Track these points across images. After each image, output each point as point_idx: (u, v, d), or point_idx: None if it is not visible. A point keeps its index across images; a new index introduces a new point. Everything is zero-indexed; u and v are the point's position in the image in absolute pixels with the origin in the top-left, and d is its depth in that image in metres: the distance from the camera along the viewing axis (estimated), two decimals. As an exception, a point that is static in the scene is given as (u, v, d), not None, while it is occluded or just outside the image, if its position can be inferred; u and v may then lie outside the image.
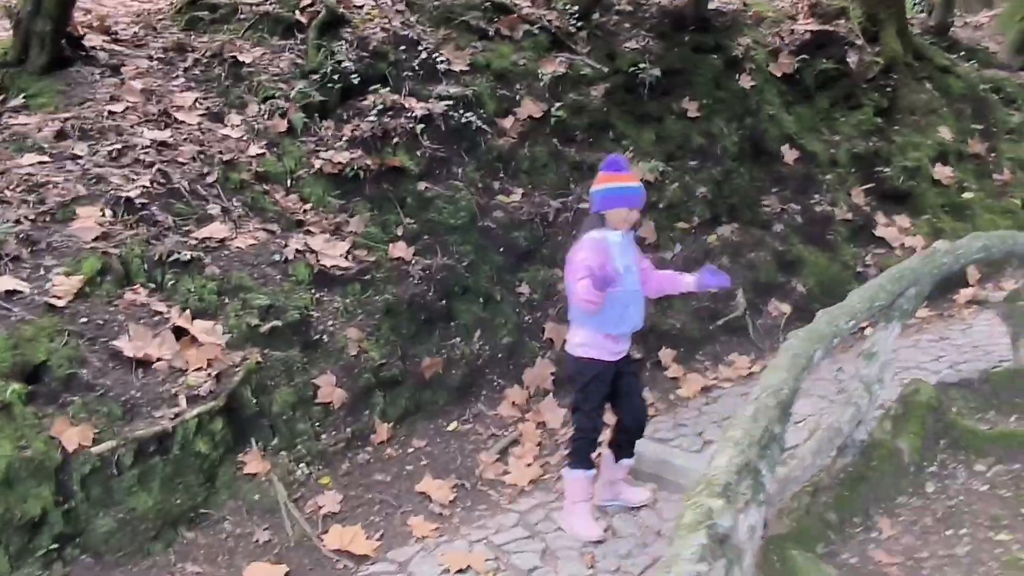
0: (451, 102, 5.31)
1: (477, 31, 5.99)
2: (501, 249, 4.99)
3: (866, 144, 6.82)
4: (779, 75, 6.88)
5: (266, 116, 4.97)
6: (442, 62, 5.54)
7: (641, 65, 6.20)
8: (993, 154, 7.33)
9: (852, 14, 7.39)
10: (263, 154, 4.75)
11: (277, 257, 4.21)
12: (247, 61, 5.30)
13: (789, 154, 6.50)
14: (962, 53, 8.31)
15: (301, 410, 3.76)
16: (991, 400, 3.76)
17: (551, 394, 4.58)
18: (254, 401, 3.62)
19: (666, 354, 5.09)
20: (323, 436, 3.79)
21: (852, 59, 7.10)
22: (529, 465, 4.04)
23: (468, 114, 5.31)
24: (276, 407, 3.69)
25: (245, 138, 4.81)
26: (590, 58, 6.16)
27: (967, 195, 6.90)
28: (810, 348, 2.76)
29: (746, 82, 6.59)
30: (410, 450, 4.01)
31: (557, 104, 5.77)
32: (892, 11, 7.42)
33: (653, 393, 4.78)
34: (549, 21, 6.26)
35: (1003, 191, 7.13)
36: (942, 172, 6.88)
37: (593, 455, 3.47)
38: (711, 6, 7.05)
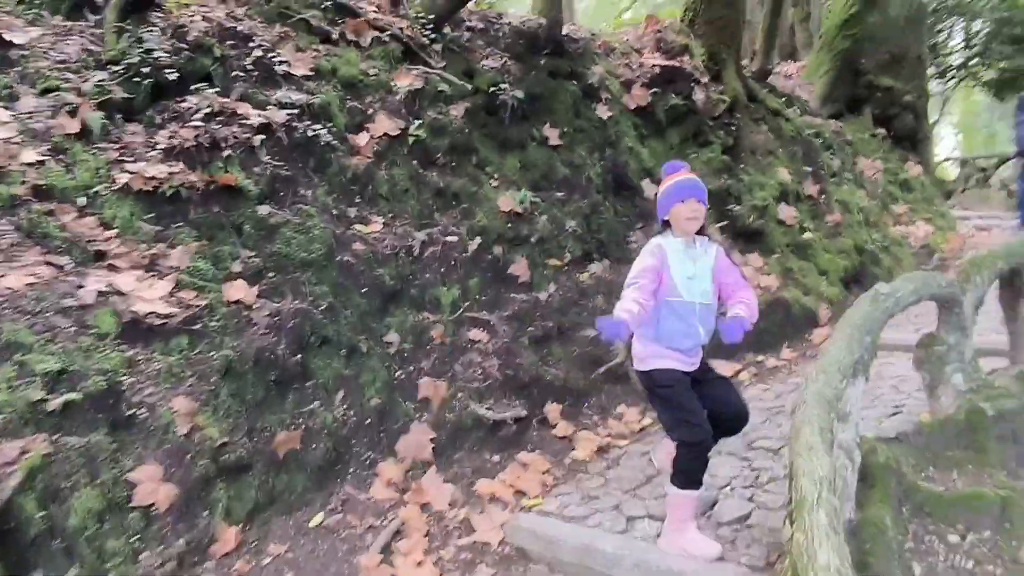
0: (295, 111, 4.38)
1: (319, 32, 5.10)
2: (364, 289, 4.11)
3: (718, 182, 6.70)
4: (633, 107, 6.60)
5: (49, 114, 3.75)
6: (281, 63, 4.59)
7: (502, 86, 5.61)
8: (824, 196, 7.56)
9: (695, 51, 7.33)
10: (44, 162, 3.55)
11: (69, 302, 3.06)
12: (19, 42, 4.03)
13: (649, 188, 6.20)
14: (783, 99, 8.63)
15: (112, 520, 2.68)
16: (926, 454, 3.48)
17: (433, 467, 3.77)
18: (40, 514, 2.49)
19: (552, 409, 4.45)
20: (144, 555, 2.71)
21: (699, 96, 7.00)
22: (420, 564, 3.20)
23: (316, 126, 4.41)
24: (74, 519, 2.58)
25: (16, 140, 3.57)
26: (447, 74, 5.47)
27: (807, 235, 7.00)
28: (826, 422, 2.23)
29: (604, 112, 6.22)
30: (266, 560, 3.01)
31: (416, 122, 5.01)
32: (731, 51, 7.47)
33: (545, 458, 4.11)
34: (401, 29, 5.50)
35: (836, 231, 7.34)
36: (786, 212, 6.93)
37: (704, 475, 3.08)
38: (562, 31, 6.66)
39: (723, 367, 5.49)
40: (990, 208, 13.32)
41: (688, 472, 3.04)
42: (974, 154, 24.72)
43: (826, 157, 8.08)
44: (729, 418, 3.16)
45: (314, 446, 3.47)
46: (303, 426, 3.47)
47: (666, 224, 3.24)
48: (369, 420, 3.75)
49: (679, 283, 3.08)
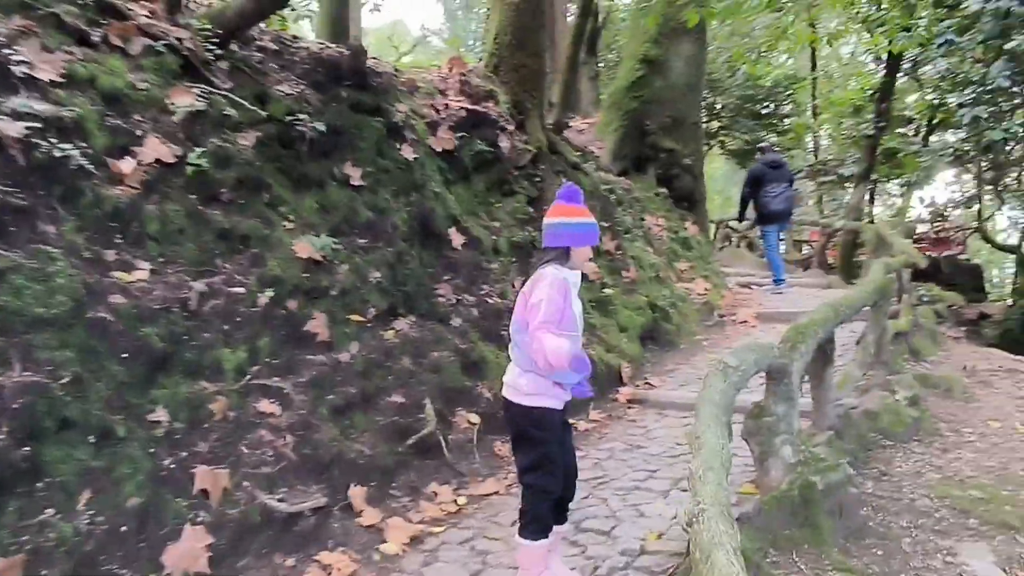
0: (36, 124, 3.45)
1: (74, 32, 4.15)
2: (124, 354, 3.26)
3: (523, 233, 6.49)
4: (439, 150, 6.21)
5: None
6: (20, 63, 3.63)
7: (300, 116, 4.96)
8: (620, 252, 7.62)
9: (500, 98, 7.13)
10: None
11: None
12: None
13: (456, 238, 5.81)
14: (579, 153, 8.70)
15: None
16: (767, 536, 3.32)
17: (211, 582, 3.00)
18: None
19: (356, 493, 3.83)
20: None
21: (505, 144, 6.78)
22: None
23: (65, 145, 3.51)
24: None
25: None
26: (236, 96, 4.72)
27: (608, 291, 6.97)
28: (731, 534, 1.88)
29: (409, 153, 5.76)
30: None
31: (196, 149, 4.22)
32: (536, 101, 7.36)
33: (351, 555, 3.48)
34: (179, 40, 4.67)
35: (632, 287, 7.40)
36: (589, 267, 6.85)
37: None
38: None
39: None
40: (745, 266, 14.55)
41: (541, 520, 3.01)
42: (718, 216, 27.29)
43: (620, 213, 8.20)
44: (570, 475, 3.19)
45: (46, 572, 2.59)
46: (29, 546, 2.58)
47: (564, 253, 3.06)
48: (125, 527, 2.91)
49: (577, 318, 3.04)
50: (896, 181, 20.63)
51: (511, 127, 6.96)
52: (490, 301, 5.66)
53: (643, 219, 9.08)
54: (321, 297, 4.44)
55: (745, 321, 8.80)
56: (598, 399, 5.94)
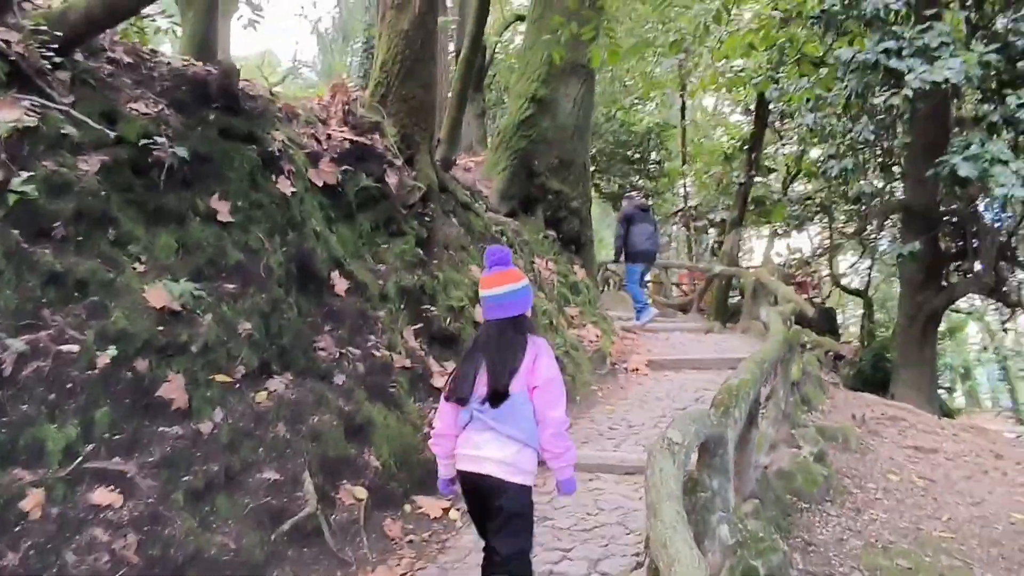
0: None
1: None
2: (-99, 442, 2.46)
3: (412, 278, 5.93)
4: (320, 184, 5.59)
5: None
6: None
7: (157, 139, 4.24)
8: (513, 297, 7.19)
9: (387, 130, 6.59)
10: None
11: None
12: None
13: (340, 283, 5.19)
14: (468, 193, 8.27)
15: None
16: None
17: None
18: None
19: (219, 600, 3.12)
20: None
21: (392, 180, 6.23)
22: None
23: None
24: None
25: None
26: (78, 113, 3.96)
27: (502, 340, 6.51)
28: None
29: (286, 187, 5.11)
30: None
31: (22, 174, 3.45)
32: (426, 135, 6.87)
33: None
34: (7, 43, 3.88)
35: (526, 336, 6.98)
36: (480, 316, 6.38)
37: None
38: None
39: (430, 504, 4.59)
40: (626, 309, 14.54)
41: None
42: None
43: (513, 257, 7.79)
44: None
45: None
46: None
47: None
48: None
49: None
50: (772, 227, 21.64)
51: (399, 162, 6.42)
52: (377, 354, 5.06)
53: (533, 263, 8.72)
54: (178, 355, 3.72)
55: (636, 369, 8.58)
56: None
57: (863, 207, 11.87)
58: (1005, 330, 16.97)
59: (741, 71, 13.84)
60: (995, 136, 10.67)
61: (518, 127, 9.86)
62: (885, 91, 11.57)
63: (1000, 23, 11.37)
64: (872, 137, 11.44)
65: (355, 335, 5.05)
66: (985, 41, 10.72)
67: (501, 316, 3.06)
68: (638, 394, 7.53)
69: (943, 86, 10.04)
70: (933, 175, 10.26)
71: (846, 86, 11.97)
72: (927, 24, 11.00)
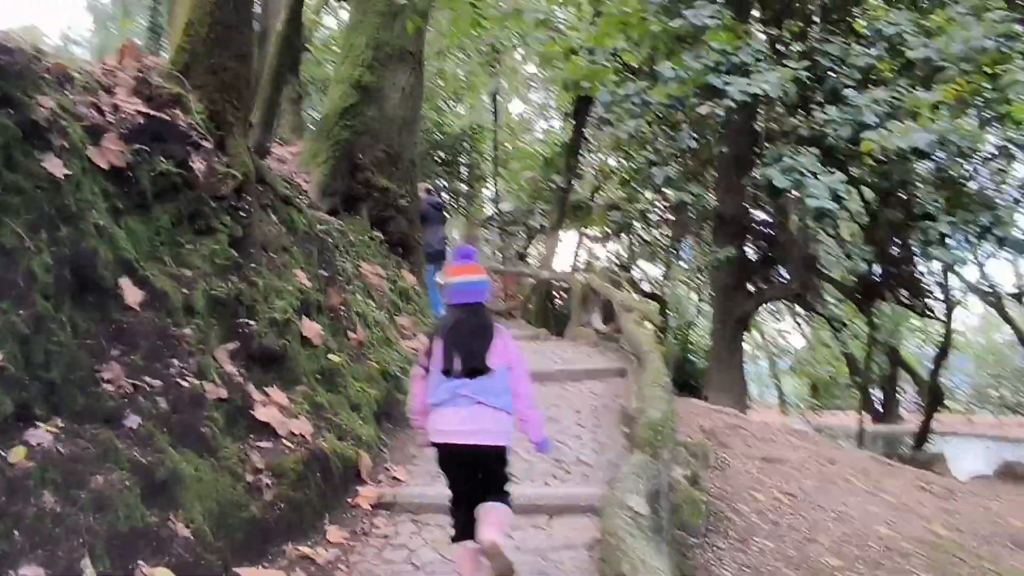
0: None
1: None
2: None
3: (225, 286, 4.85)
4: (104, 167, 4.38)
5: None
6: None
7: None
8: (344, 308, 6.25)
9: (192, 106, 5.41)
10: None
11: None
12: None
13: (131, 293, 4.05)
14: (288, 185, 7.18)
15: None
16: None
17: None
18: None
19: None
20: None
21: (200, 166, 5.09)
22: None
23: None
24: None
25: None
26: None
27: (333, 358, 5.58)
28: None
29: (57, 168, 3.89)
30: None
31: None
32: (241, 115, 5.76)
33: None
34: None
35: (360, 352, 6.08)
36: (311, 329, 5.41)
37: None
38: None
39: (254, 575, 3.61)
40: (449, 315, 13.86)
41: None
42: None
43: (340, 259, 6.85)
44: None
45: None
46: None
47: None
48: None
49: None
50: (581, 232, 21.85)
51: (208, 144, 5.29)
52: (184, 384, 3.99)
53: (359, 267, 7.79)
54: None
55: (474, 383, 7.91)
56: (334, 508, 4.53)
57: (685, 215, 12.03)
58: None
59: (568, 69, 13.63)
60: (804, 149, 11.16)
61: (341, 116, 8.85)
62: (703, 102, 11.82)
63: (801, 45, 11.99)
64: (693, 145, 11.61)
65: (153, 361, 3.94)
66: (796, 58, 11.18)
67: (467, 302, 3.52)
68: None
69: (760, 98, 10.31)
70: (752, 185, 10.57)
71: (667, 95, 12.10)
72: (739, 43, 11.34)
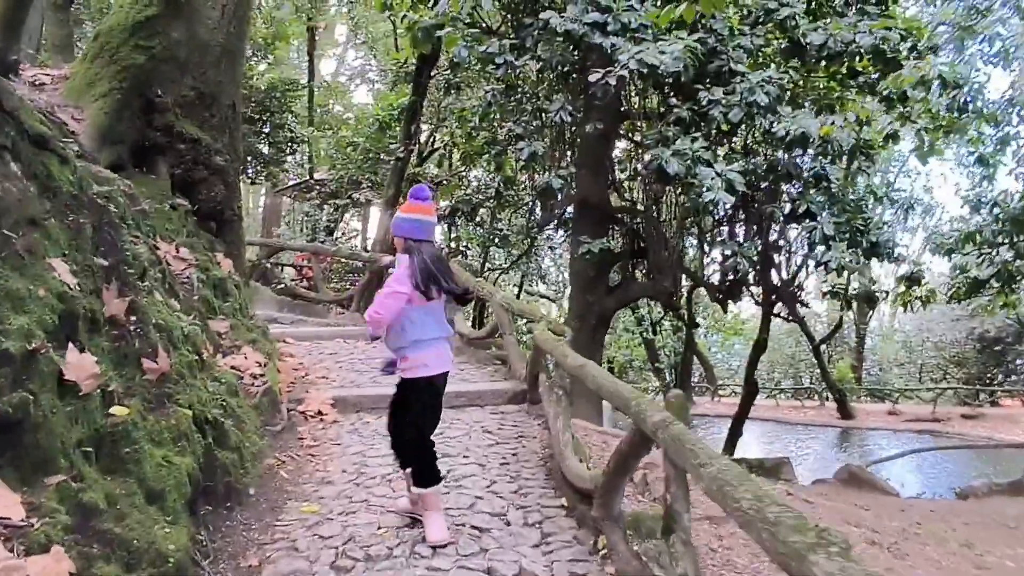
0: None
1: None
2: None
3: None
4: None
5: None
6: None
7: None
8: (135, 319, 3.95)
9: None
10: None
11: None
12: None
13: None
14: (46, 121, 4.66)
15: None
16: None
17: None
18: None
19: None
20: None
21: None
22: None
23: None
24: None
25: None
26: None
27: (118, 410, 3.33)
28: None
29: None
30: None
31: None
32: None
33: None
34: None
35: (163, 393, 3.82)
36: (78, 366, 3.13)
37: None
38: None
39: None
40: (263, 304, 11.38)
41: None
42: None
43: (128, 240, 4.48)
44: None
45: None
46: None
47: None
48: None
49: None
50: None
51: None
52: None
53: (156, 249, 5.42)
54: None
55: (321, 413, 5.84)
56: None
57: (551, 198, 10.51)
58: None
59: (414, 23, 11.56)
60: (684, 132, 9.98)
61: (133, 31, 6.26)
62: (586, 67, 10.31)
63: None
64: (568, 120, 10.06)
65: None
66: (687, 32, 9.95)
67: (428, 239, 3.80)
68: (342, 464, 4.83)
69: (659, 70, 8.94)
70: (626, 170, 9.23)
71: (536, 56, 10.47)
72: (630, 2, 9.93)
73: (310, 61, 22.27)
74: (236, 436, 4.41)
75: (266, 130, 20.92)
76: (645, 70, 8.79)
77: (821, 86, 11.63)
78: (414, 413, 3.79)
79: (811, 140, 9.10)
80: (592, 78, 9.05)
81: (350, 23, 24.91)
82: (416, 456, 3.77)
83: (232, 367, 5.36)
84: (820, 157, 10.09)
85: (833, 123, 9.54)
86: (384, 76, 22.64)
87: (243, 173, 21.58)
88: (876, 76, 11.14)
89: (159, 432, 3.55)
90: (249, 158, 21.18)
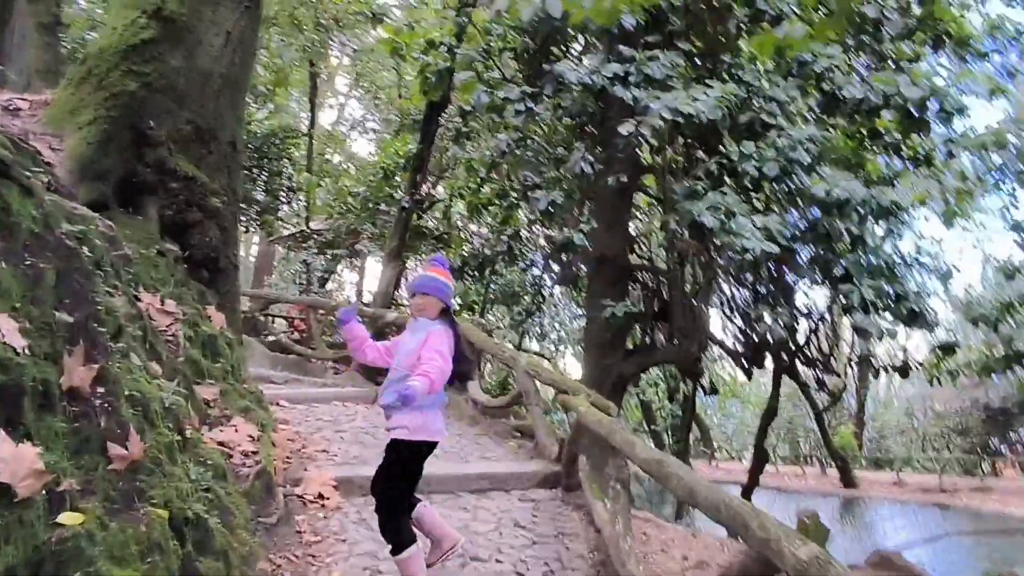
0: None
1: None
2: None
3: None
4: None
5: None
6: None
7: None
8: (105, 391, 3.14)
9: None
10: None
11: None
12: None
13: None
14: (10, 147, 3.91)
15: None
16: None
17: None
18: None
19: None
20: None
21: None
22: None
23: None
24: None
25: None
26: None
27: (70, 518, 2.51)
28: None
29: None
30: None
31: None
32: None
33: None
34: None
35: (132, 485, 3.00)
36: (18, 464, 2.32)
37: None
38: None
39: None
40: (255, 359, 10.53)
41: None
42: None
43: (102, 288, 3.70)
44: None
45: None
46: None
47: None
48: None
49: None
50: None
51: None
52: None
53: (138, 301, 4.63)
54: None
55: (323, 498, 4.98)
56: None
57: (569, 255, 9.81)
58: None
59: (426, 66, 11.03)
60: (713, 187, 9.36)
61: (125, 56, 5.57)
62: (607, 117, 9.75)
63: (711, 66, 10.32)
64: (590, 171, 9.42)
65: None
66: (713, 80, 9.40)
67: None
68: (350, 569, 3.97)
69: (693, 119, 8.33)
70: (678, 221, 8.56)
71: (556, 104, 9.90)
72: (653, 52, 9.41)
73: (312, 108, 21.79)
74: (222, 538, 3.56)
75: (263, 177, 20.31)
76: (680, 119, 8.18)
77: (841, 144, 11.11)
78: (399, 474, 3.75)
79: (851, 202, 8.49)
80: (623, 129, 8.44)
81: (353, 73, 24.60)
82: (386, 515, 3.67)
83: (220, 443, 4.53)
84: (856, 219, 9.48)
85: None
86: (386, 126, 22.17)
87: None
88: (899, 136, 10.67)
89: (123, 544, 2.71)
90: (243, 205, 20.52)
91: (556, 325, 25.85)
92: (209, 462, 4.05)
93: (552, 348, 28.36)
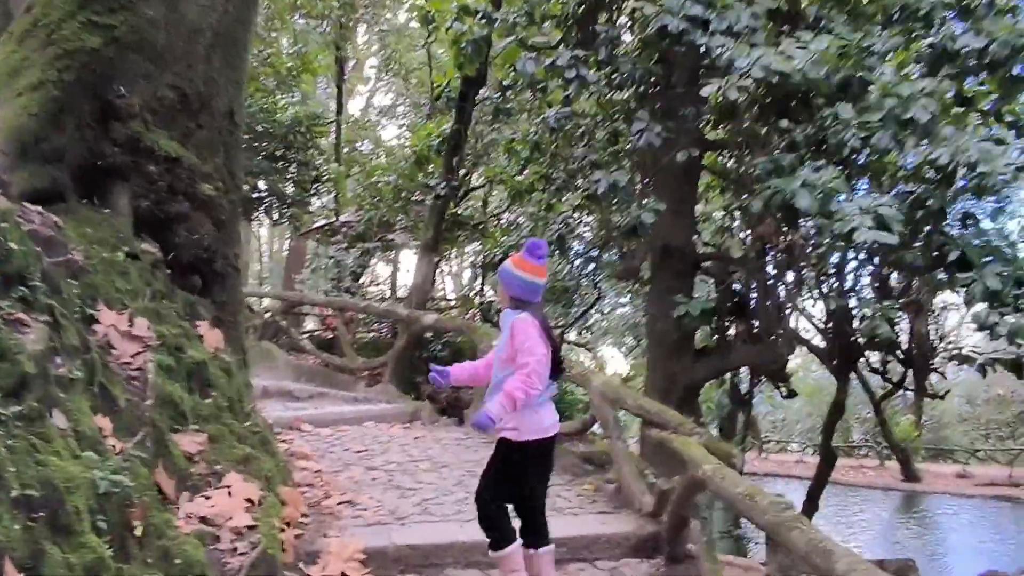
0: None
1: None
2: None
3: None
4: None
5: None
6: None
7: None
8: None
9: None
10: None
11: None
12: None
13: None
14: None
15: None
16: None
17: None
18: None
19: None
20: None
21: None
22: None
23: None
24: None
25: None
26: None
27: None
28: None
29: None
30: None
31: None
32: None
33: None
34: None
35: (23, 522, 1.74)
36: None
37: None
38: None
39: None
40: (277, 370, 9.35)
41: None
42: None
43: (18, 313, 2.46)
44: None
45: None
46: None
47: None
48: None
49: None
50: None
51: None
52: None
53: (94, 323, 3.39)
54: None
55: (346, 581, 3.71)
56: None
57: (636, 242, 8.49)
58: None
59: (462, 35, 9.70)
60: (800, 161, 7.89)
61: (84, 3, 4.34)
62: (670, 84, 8.35)
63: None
64: (658, 143, 8.02)
65: None
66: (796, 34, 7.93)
67: (536, 301, 3.52)
68: None
69: (790, 80, 6.90)
70: (763, 204, 7.14)
71: (615, 69, 8.51)
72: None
73: (339, 93, 20.60)
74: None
75: (292, 169, 19.22)
76: (774, 79, 6.74)
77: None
78: (505, 478, 3.52)
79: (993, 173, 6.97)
80: (705, 91, 7.02)
81: (381, 56, 23.39)
82: (483, 513, 3.50)
83: (203, 519, 3.27)
84: (967, 192, 7.99)
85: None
86: (417, 111, 20.91)
87: (257, 212, 19.78)
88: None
89: None
90: (272, 198, 19.47)
91: (598, 315, 24.44)
92: (178, 556, 2.79)
93: (589, 336, 26.87)
